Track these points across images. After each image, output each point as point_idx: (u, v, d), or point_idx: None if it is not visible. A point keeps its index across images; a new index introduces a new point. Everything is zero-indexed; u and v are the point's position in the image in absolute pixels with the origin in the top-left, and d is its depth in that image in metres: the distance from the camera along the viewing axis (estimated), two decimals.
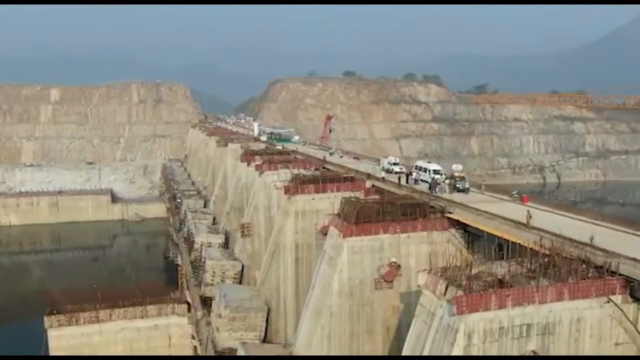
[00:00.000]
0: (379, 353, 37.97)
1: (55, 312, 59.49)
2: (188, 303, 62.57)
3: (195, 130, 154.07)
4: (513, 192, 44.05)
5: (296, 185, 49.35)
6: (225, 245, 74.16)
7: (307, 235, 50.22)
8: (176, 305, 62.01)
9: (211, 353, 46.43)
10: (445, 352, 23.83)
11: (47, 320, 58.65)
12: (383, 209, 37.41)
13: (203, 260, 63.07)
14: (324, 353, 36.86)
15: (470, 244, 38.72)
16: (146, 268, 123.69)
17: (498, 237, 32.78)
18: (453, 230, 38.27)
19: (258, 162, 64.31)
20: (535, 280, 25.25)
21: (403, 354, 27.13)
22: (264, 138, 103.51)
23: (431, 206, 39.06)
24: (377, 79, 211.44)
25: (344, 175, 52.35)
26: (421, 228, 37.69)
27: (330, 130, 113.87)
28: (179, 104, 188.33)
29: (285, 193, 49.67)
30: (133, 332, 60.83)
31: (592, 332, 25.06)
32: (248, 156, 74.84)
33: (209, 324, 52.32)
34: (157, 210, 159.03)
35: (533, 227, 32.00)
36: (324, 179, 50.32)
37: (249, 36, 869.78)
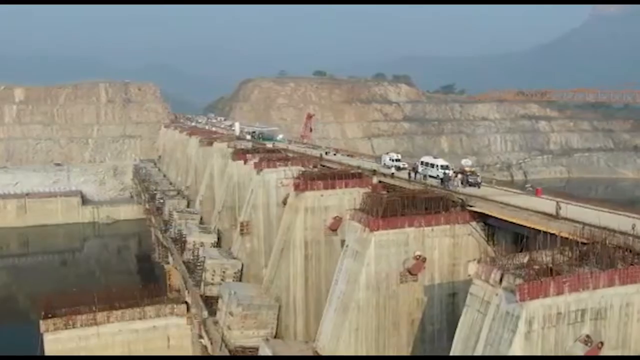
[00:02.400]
0: (404, 346, 38.41)
1: (50, 315, 57.91)
2: (186, 303, 61.89)
3: (170, 130, 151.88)
4: (527, 185, 45.16)
5: (305, 182, 49.35)
6: (218, 244, 73.54)
7: (316, 231, 50.33)
8: (175, 306, 61.17)
9: (225, 352, 46.02)
10: (505, 339, 24.36)
11: (43, 324, 56.98)
12: (407, 203, 37.85)
13: (202, 259, 62.31)
14: (352, 347, 37.05)
15: (490, 236, 39.60)
16: (119, 271, 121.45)
17: (528, 229, 33.52)
18: (474, 223, 39.02)
19: (256, 160, 63.98)
20: (581, 267, 26.12)
21: (454, 344, 27.44)
22: (249, 137, 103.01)
23: (452, 200, 39.71)
24: (348, 78, 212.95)
25: (352, 171, 52.53)
26: (444, 221, 38.29)
27: (311, 129, 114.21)
28: (148, 103, 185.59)
29: (295, 190, 49.66)
30: (131, 334, 59.69)
31: (639, 316, 25.99)
32: (240, 154, 74.49)
33: (215, 323, 51.76)
34: (129, 211, 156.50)
35: (564, 218, 32.89)
36: (332, 175, 50.43)
37: (204, 37, 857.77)
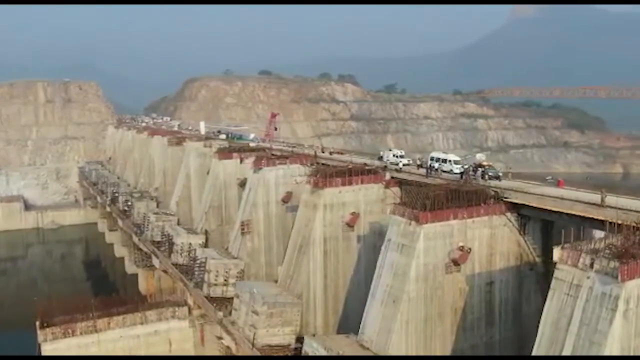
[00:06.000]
0: (449, 335, 39.67)
1: (46, 324, 55.22)
2: (187, 306, 60.69)
3: (122, 131, 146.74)
4: (548, 178, 47.50)
5: (324, 179, 49.70)
6: (205, 244, 72.37)
7: (334, 227, 50.85)
8: (177, 309, 59.90)
9: (255, 352, 45.59)
10: (604, 318, 25.96)
11: (40, 334, 54.37)
12: (449, 196, 39.13)
13: (202, 260, 61.13)
14: (403, 338, 37.89)
15: (521, 226, 41.56)
16: (67, 279, 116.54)
17: (569, 216, 35.52)
18: (509, 214, 40.81)
19: (253, 159, 63.71)
20: None
21: (541, 327, 28.74)
22: (223, 137, 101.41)
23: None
24: (294, 77, 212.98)
25: (367, 168, 53.35)
26: (484, 213, 39.85)
27: (276, 129, 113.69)
28: (90, 103, 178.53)
29: (314, 186, 49.92)
30: (132, 340, 57.94)
31: None
32: (226, 154, 73.95)
33: (233, 323, 51.09)
34: (75, 216, 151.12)
35: (609, 206, 35.07)
36: (349, 172, 51.05)
37: (124, 36, 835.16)
